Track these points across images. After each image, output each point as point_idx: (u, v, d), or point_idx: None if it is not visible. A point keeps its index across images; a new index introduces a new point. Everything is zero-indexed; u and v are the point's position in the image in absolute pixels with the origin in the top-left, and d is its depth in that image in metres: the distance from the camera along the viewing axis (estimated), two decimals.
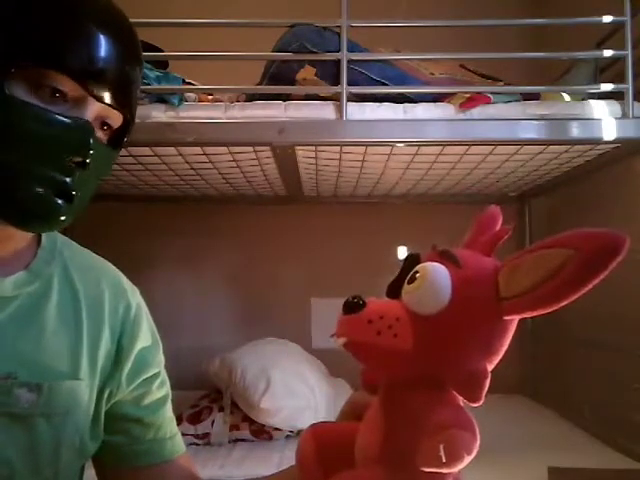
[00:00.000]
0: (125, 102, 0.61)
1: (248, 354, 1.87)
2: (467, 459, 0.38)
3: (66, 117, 0.56)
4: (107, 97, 0.58)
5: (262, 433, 1.71)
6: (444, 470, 0.38)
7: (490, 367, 0.42)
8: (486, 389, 0.41)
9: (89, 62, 0.57)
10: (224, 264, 2.51)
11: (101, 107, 0.59)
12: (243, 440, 1.72)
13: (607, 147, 1.60)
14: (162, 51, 1.65)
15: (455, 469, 0.38)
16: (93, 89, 0.57)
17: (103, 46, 0.58)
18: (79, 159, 0.56)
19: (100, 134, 0.61)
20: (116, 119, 0.62)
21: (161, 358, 0.74)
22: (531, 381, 2.35)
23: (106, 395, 0.66)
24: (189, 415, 1.74)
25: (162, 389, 0.73)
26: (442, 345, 0.41)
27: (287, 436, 1.72)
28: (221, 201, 2.40)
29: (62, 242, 0.70)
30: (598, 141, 1.51)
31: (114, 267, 0.74)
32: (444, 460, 0.37)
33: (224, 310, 2.50)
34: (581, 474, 1.41)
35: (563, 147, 1.60)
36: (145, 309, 0.74)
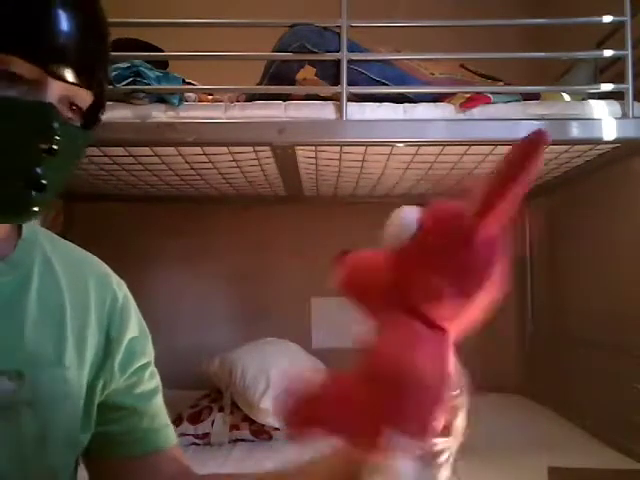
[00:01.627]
0: (90, 79, 0.57)
1: (248, 354, 1.87)
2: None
3: (25, 102, 0.52)
4: (69, 75, 0.54)
5: (262, 433, 1.71)
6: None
7: (455, 296, 0.44)
8: (440, 307, 0.43)
9: (42, 40, 0.53)
10: (224, 264, 2.51)
11: (64, 87, 0.55)
12: (243, 440, 1.72)
13: (607, 147, 1.60)
14: (162, 51, 1.65)
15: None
16: (51, 69, 0.53)
17: (56, 21, 0.53)
18: (45, 145, 0.53)
19: (70, 115, 0.57)
20: (84, 98, 0.58)
21: (151, 349, 0.74)
22: (531, 381, 2.35)
23: (100, 386, 0.66)
24: (189, 415, 1.74)
25: (153, 380, 0.72)
26: (411, 267, 0.44)
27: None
28: (221, 201, 2.40)
29: (44, 234, 0.69)
30: (598, 141, 1.51)
31: (99, 260, 0.73)
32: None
33: (224, 310, 2.50)
34: (581, 474, 1.41)
35: (563, 147, 1.60)
36: (132, 301, 0.73)
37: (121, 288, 0.72)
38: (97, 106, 0.61)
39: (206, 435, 1.70)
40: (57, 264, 0.66)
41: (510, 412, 2.03)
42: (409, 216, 0.45)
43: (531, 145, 0.41)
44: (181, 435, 1.68)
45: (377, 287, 0.46)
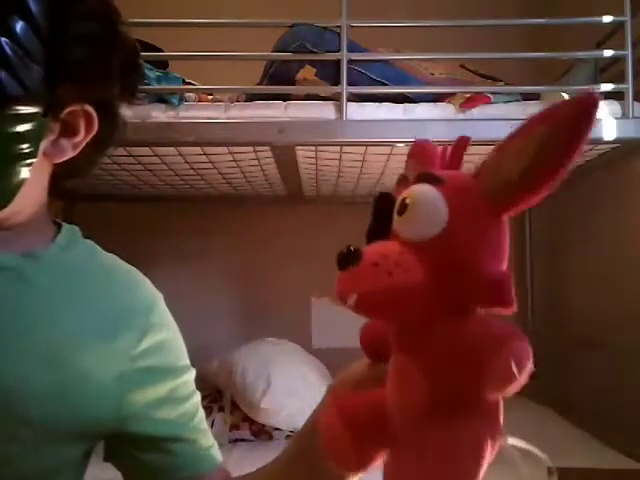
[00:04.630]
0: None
1: (248, 354, 1.87)
2: (529, 369, 0.36)
3: None
4: None
5: (262, 433, 1.72)
6: (514, 386, 0.36)
7: (504, 268, 0.40)
8: (512, 291, 0.38)
9: None
10: (224, 264, 2.51)
11: None
12: (243, 440, 1.72)
13: (607, 147, 1.60)
14: (162, 51, 1.65)
15: (522, 382, 0.36)
16: None
17: None
18: None
19: None
20: None
21: (183, 368, 0.70)
22: (531, 381, 2.34)
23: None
24: None
25: (185, 403, 0.68)
26: (455, 263, 0.38)
27: (287, 436, 1.72)
28: (221, 201, 2.40)
29: (90, 248, 0.66)
30: (598, 141, 1.51)
31: (142, 279, 0.70)
32: (516, 375, 0.35)
33: (224, 310, 2.50)
34: (581, 474, 1.40)
35: None
36: (167, 327, 0.69)
37: (159, 306, 0.69)
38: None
39: None
40: (94, 278, 0.64)
41: (510, 412, 2.03)
42: (437, 205, 0.38)
43: (585, 107, 0.34)
44: None
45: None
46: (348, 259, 0.38)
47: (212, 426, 1.71)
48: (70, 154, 0.61)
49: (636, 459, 1.53)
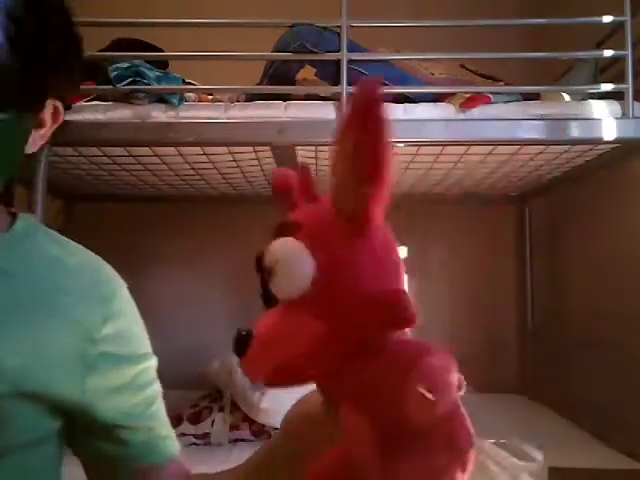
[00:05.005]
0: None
1: None
2: (454, 381, 0.35)
3: None
4: None
5: (262, 433, 1.71)
6: (439, 407, 0.34)
7: (394, 283, 0.38)
8: (413, 305, 0.36)
9: None
10: (224, 264, 2.51)
11: None
12: (243, 440, 1.72)
13: (607, 147, 1.60)
14: (162, 51, 1.65)
15: (448, 400, 0.35)
16: None
17: None
18: None
19: None
20: None
21: (145, 356, 0.70)
22: (531, 381, 2.35)
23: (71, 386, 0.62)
24: (189, 415, 1.74)
25: (145, 390, 0.68)
26: (339, 304, 0.37)
27: None
28: (221, 201, 2.40)
29: (46, 233, 0.67)
30: (598, 141, 1.51)
31: (103, 264, 0.70)
32: (432, 397, 0.33)
33: (224, 310, 2.50)
34: (581, 474, 1.40)
35: (563, 147, 1.60)
36: (130, 307, 0.69)
37: (122, 293, 0.69)
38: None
39: (206, 435, 1.70)
40: (55, 261, 0.65)
41: (510, 412, 2.03)
42: (298, 257, 0.37)
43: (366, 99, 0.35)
44: (181, 435, 1.68)
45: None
46: (243, 346, 0.40)
47: (212, 426, 1.71)
48: (39, 145, 0.63)
49: (636, 459, 1.53)
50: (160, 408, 0.70)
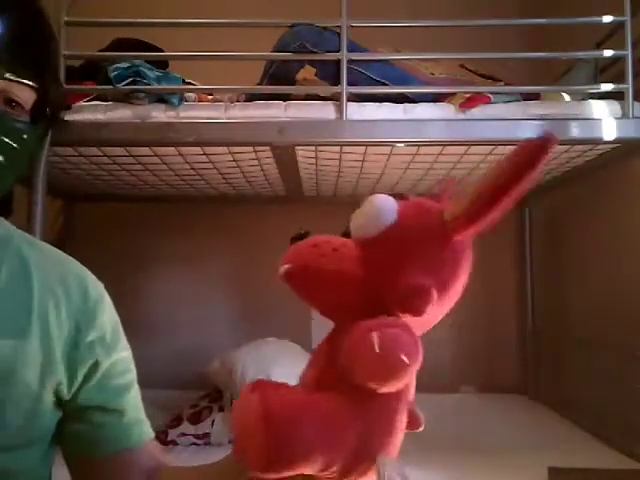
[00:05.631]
0: (26, 75, 0.59)
1: (248, 354, 1.87)
2: (407, 364, 0.36)
3: None
4: None
5: None
6: (386, 382, 0.36)
7: (435, 291, 0.40)
8: (427, 304, 0.39)
9: None
10: (224, 264, 2.51)
11: None
12: None
13: (607, 147, 1.60)
14: (162, 51, 1.65)
15: (397, 377, 0.36)
16: None
17: None
18: None
19: (9, 110, 0.60)
20: (23, 94, 0.60)
21: (121, 347, 0.73)
22: (531, 381, 2.35)
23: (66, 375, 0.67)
24: (189, 415, 1.74)
25: (123, 377, 0.72)
26: (385, 264, 0.41)
27: None
28: (221, 201, 2.40)
29: (21, 236, 0.70)
30: (598, 141, 1.51)
31: (77, 262, 0.74)
32: (379, 353, 0.35)
33: (224, 310, 2.50)
34: (581, 474, 1.41)
35: (563, 147, 1.60)
36: (107, 302, 0.73)
37: (96, 288, 0.72)
38: (42, 102, 0.63)
39: (206, 435, 1.70)
40: (31, 261, 0.67)
41: (510, 412, 2.03)
42: (387, 206, 0.42)
43: (538, 148, 0.40)
44: (181, 435, 1.68)
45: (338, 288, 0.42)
46: (299, 238, 0.43)
47: (212, 426, 1.71)
48: None
49: (636, 459, 1.53)
50: (135, 396, 0.73)
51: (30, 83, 0.60)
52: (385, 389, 0.38)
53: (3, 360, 0.61)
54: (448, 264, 0.42)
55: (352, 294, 0.41)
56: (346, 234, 0.45)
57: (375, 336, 0.36)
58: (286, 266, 0.42)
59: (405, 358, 0.36)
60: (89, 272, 0.74)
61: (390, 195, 0.44)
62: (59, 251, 0.74)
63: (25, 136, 0.62)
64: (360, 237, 0.42)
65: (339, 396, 0.39)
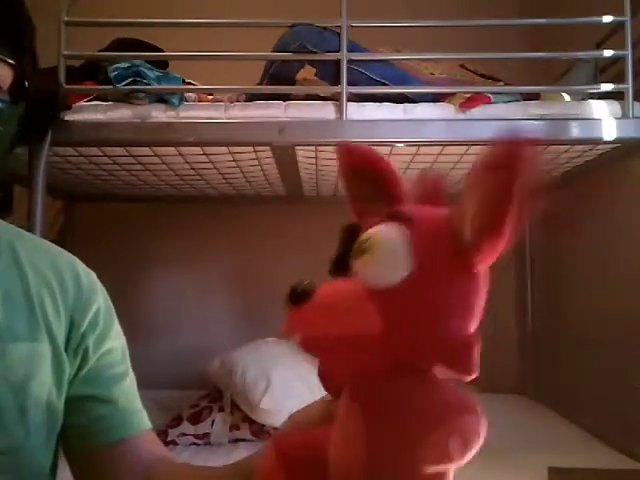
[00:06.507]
0: (3, 50, 0.59)
1: (248, 354, 1.87)
2: (478, 446, 0.34)
3: None
4: None
5: (262, 433, 1.71)
6: (453, 465, 0.33)
7: (473, 330, 0.37)
8: (478, 357, 0.35)
9: None
10: (224, 264, 2.51)
11: None
12: (243, 440, 1.72)
13: (607, 147, 1.60)
14: (162, 51, 1.65)
15: (465, 460, 0.34)
16: None
17: None
18: None
19: None
20: (1, 72, 0.60)
21: (116, 336, 0.73)
22: (531, 381, 2.35)
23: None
24: (189, 415, 1.74)
25: (118, 367, 0.72)
26: (415, 317, 0.35)
27: None
28: (221, 201, 2.40)
29: (11, 230, 0.70)
30: (598, 141, 1.51)
31: (70, 254, 0.74)
32: (455, 455, 0.33)
33: (224, 310, 2.50)
34: (581, 474, 1.40)
35: (563, 147, 1.60)
36: (100, 291, 0.73)
37: (88, 276, 0.73)
38: (21, 81, 0.62)
39: (206, 435, 1.70)
40: (23, 254, 0.68)
41: (510, 412, 2.03)
42: (399, 243, 0.35)
43: (515, 154, 0.34)
44: (181, 435, 1.68)
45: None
46: (301, 295, 0.36)
47: (212, 426, 1.71)
48: None
49: (636, 459, 1.53)
50: (130, 385, 0.73)
51: (8, 60, 0.60)
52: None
53: (20, 365, 0.61)
54: (474, 295, 0.36)
55: (375, 356, 0.35)
56: (346, 235, 0.40)
57: (451, 442, 0.33)
58: (296, 337, 0.36)
59: (478, 443, 0.33)
60: (79, 260, 0.74)
61: (388, 216, 0.37)
62: (47, 242, 0.74)
63: (5, 116, 0.62)
64: (371, 285, 0.35)
65: None
